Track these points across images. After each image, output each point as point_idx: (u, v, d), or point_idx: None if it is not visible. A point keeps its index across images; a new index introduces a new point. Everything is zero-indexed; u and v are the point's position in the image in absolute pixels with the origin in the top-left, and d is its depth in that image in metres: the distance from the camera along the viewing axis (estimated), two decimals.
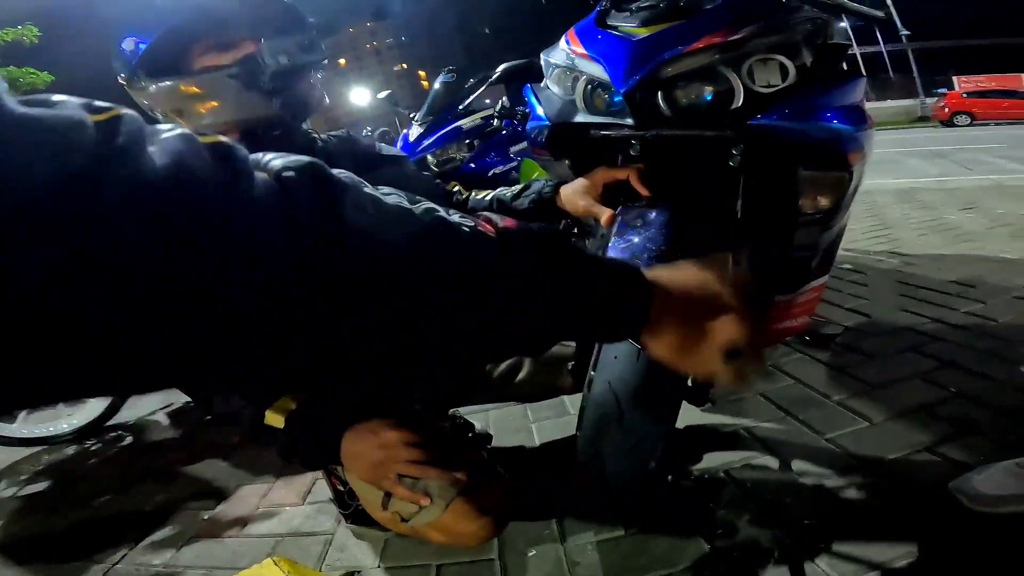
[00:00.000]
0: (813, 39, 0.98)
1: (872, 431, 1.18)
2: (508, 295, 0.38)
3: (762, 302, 0.99)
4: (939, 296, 1.83)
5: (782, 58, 0.92)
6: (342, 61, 76.73)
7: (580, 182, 1.00)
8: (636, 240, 0.89)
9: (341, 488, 1.11)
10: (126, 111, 0.27)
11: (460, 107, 2.78)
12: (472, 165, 2.58)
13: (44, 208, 0.21)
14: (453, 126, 2.68)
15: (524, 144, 2.43)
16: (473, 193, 1.15)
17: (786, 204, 0.94)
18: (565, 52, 1.11)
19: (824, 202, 0.94)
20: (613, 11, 1.10)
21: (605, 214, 0.93)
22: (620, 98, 0.94)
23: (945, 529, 0.89)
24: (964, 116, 15.89)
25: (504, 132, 2.63)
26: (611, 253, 0.88)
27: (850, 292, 1.98)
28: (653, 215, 0.91)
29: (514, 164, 2.55)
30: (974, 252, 2.30)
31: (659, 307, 0.42)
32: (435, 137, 2.69)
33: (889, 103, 23.58)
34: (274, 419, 0.82)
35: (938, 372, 1.36)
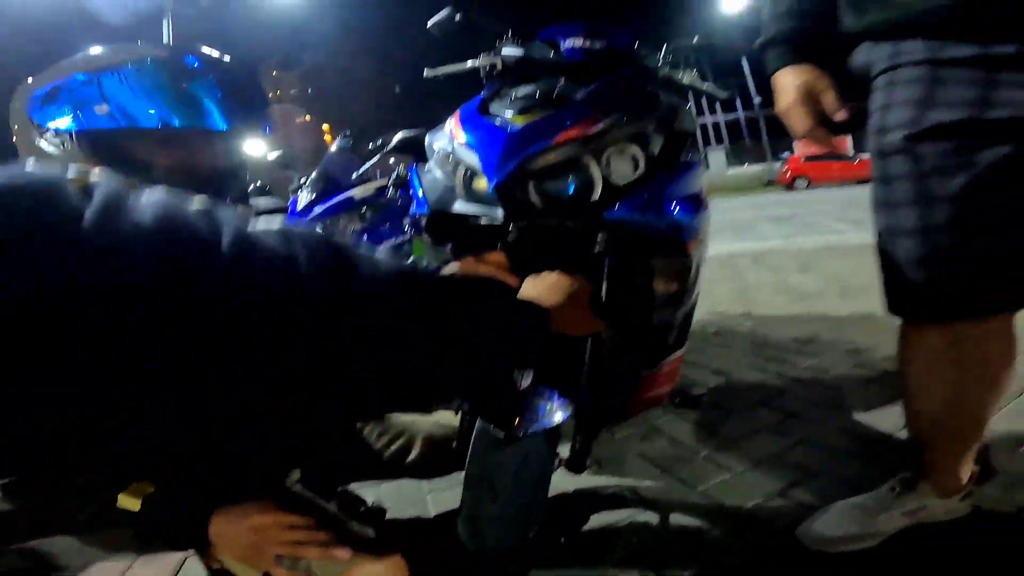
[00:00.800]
0: (664, 127, 1.11)
1: (734, 480, 1.34)
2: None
3: (629, 377, 1.11)
4: (784, 353, 2.13)
5: (636, 149, 1.04)
6: None
7: (457, 267, 1.06)
8: None
9: (217, 566, 1.05)
10: (100, 176, 0.30)
11: (355, 174, 2.68)
12: (364, 237, 2.47)
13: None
14: (345, 195, 2.55)
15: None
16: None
17: (643, 287, 1.07)
18: (447, 137, 1.18)
19: (673, 285, 1.08)
20: (496, 98, 1.18)
21: None
22: (494, 181, 1.01)
23: (797, 571, 1.04)
24: (803, 180, 18.07)
25: (399, 203, 2.56)
26: None
27: (713, 354, 2.23)
28: None
29: (407, 237, 2.49)
30: (811, 311, 2.70)
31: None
32: (326, 206, 2.56)
33: (746, 168, 26.66)
34: (128, 502, 0.77)
35: (784, 423, 1.58)
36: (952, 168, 0.80)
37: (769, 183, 21.74)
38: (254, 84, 1.01)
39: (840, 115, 0.95)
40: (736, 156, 31.61)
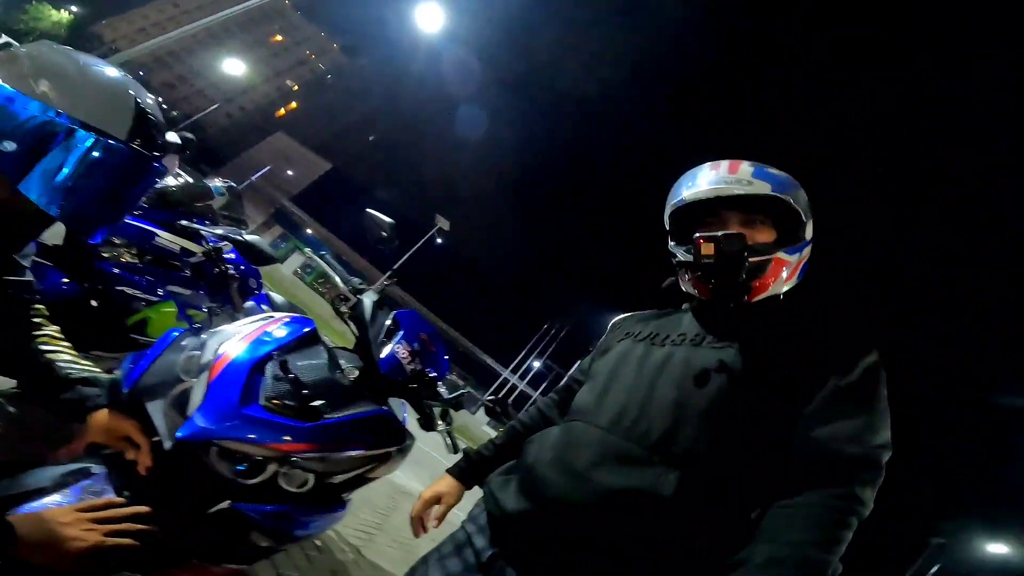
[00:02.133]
0: (358, 468, 1.31)
1: None
2: None
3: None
4: None
5: (311, 477, 1.19)
6: (278, 37, 65.76)
7: (123, 422, 1.12)
8: (72, 503, 1.02)
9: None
10: None
11: (183, 222, 2.31)
12: (115, 271, 2.16)
13: None
14: (150, 228, 2.26)
15: (186, 291, 2.31)
16: (50, 334, 1.18)
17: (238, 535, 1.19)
18: (215, 354, 1.23)
19: (263, 543, 1.21)
20: (283, 362, 1.28)
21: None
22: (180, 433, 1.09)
23: None
24: None
25: (184, 272, 2.34)
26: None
27: (294, 562, 2.38)
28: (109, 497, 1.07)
29: (154, 299, 2.22)
30: None
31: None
32: (128, 220, 2.16)
33: (494, 432, 28.63)
34: None
35: None
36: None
37: None
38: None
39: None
40: (499, 422, 34.32)
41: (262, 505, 1.16)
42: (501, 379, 37.01)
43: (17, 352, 1.12)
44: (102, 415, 1.12)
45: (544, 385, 37.43)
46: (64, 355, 1.17)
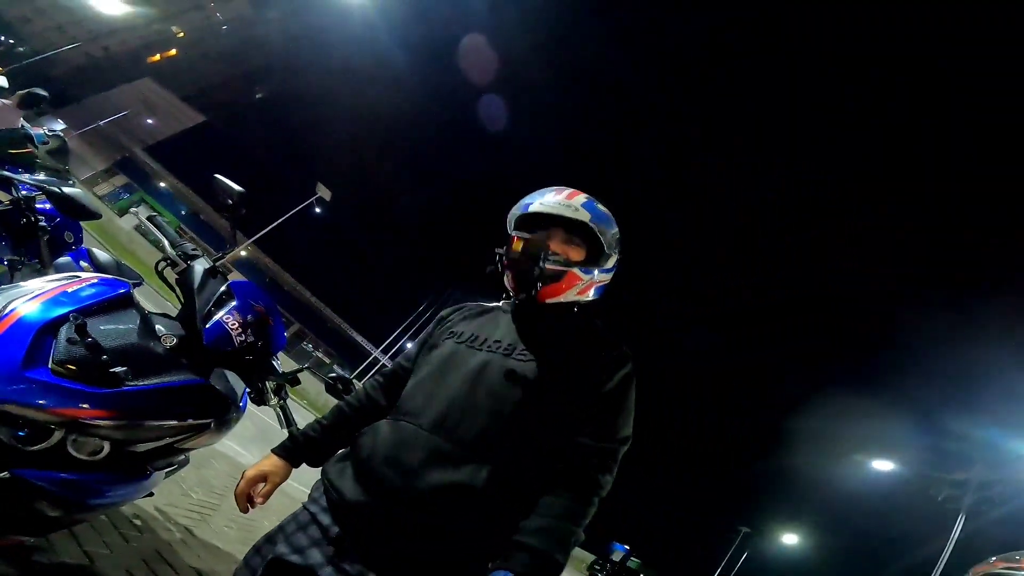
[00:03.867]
0: (168, 438, 1.30)
1: None
2: None
3: None
4: (157, 565, 2.29)
5: (106, 444, 1.17)
6: None
7: None
8: None
9: None
10: None
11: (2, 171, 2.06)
12: None
13: None
14: None
15: None
16: None
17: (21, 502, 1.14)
18: (5, 303, 1.19)
19: (52, 513, 1.17)
20: (80, 324, 1.20)
21: None
22: None
23: None
24: None
25: None
26: None
27: (100, 535, 2.22)
28: None
29: None
30: (238, 554, 2.91)
31: None
32: None
33: None
34: None
35: None
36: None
37: None
38: None
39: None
40: None
41: (48, 472, 1.10)
42: (371, 359, 36.12)
43: None
44: None
45: None
46: None
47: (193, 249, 1.65)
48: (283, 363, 1.76)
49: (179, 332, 1.42)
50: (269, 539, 1.20)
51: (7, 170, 2.11)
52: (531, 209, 1.32)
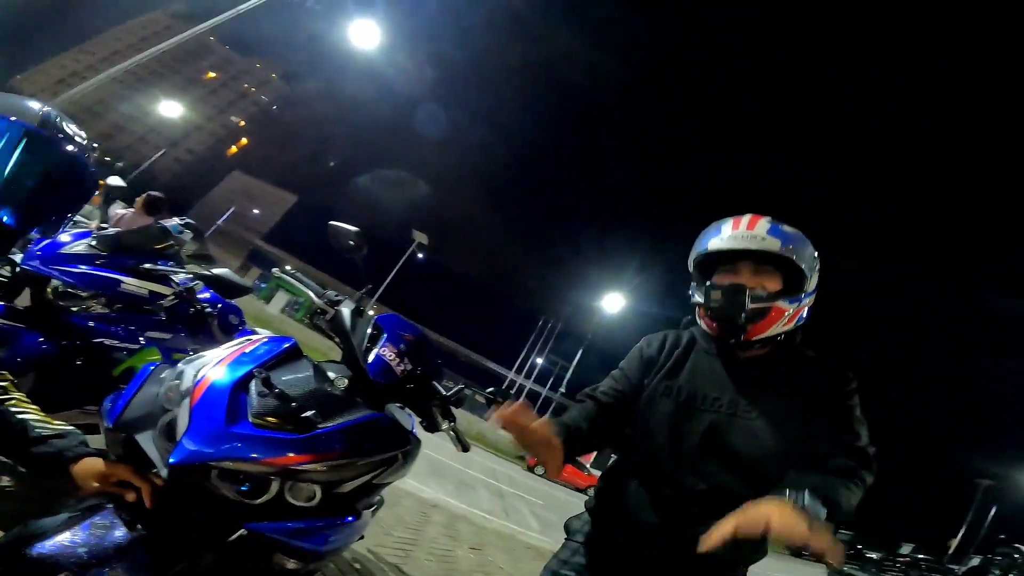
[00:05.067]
0: (365, 475, 1.29)
1: None
2: None
3: None
4: None
5: (317, 488, 1.19)
6: (212, 75, 64.84)
7: (100, 464, 1.11)
8: (82, 539, 1.01)
9: None
10: None
11: (146, 265, 2.22)
12: (90, 323, 2.06)
13: None
14: (113, 276, 2.12)
15: (166, 335, 2.25)
16: (13, 399, 1.16)
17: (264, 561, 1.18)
18: (194, 380, 1.21)
19: (291, 566, 1.20)
20: (261, 385, 1.24)
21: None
22: (173, 459, 1.07)
23: None
24: (543, 468, 19.96)
25: (160, 315, 2.24)
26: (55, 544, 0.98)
27: None
28: (119, 533, 1.06)
29: (135, 347, 2.15)
30: None
31: None
32: (86, 272, 2.07)
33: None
34: None
35: None
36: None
37: (520, 457, 23.64)
38: None
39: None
40: None
41: (277, 523, 1.14)
42: (508, 381, 36.99)
43: None
44: (88, 464, 1.10)
45: (551, 380, 37.49)
46: (34, 416, 1.15)
47: (336, 295, 1.71)
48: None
49: (347, 373, 1.46)
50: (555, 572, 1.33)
51: (160, 265, 2.29)
52: (714, 248, 1.28)
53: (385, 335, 1.51)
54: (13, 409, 1.12)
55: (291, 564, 1.18)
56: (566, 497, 12.93)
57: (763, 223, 1.26)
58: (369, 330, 1.54)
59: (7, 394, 1.16)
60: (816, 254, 1.30)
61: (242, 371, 1.26)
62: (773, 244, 1.22)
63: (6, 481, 1.72)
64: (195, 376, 1.23)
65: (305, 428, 1.21)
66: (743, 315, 1.22)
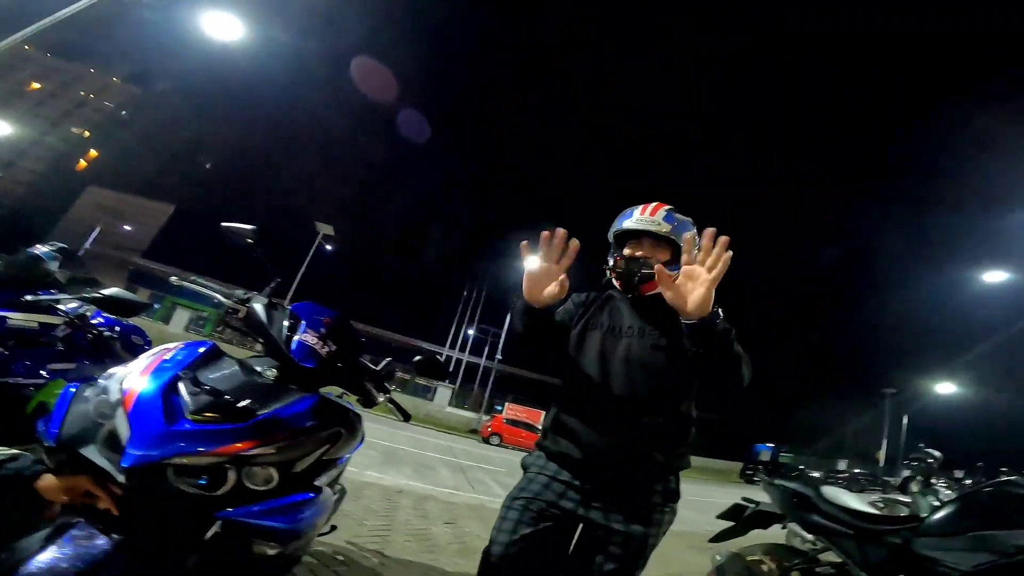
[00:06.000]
0: (319, 453, 1.37)
1: None
2: None
3: None
4: None
5: (273, 471, 1.24)
6: (36, 85, 55.26)
7: (71, 479, 1.13)
8: (68, 553, 1.03)
9: None
10: None
11: (27, 297, 2.12)
12: None
13: None
14: None
15: (70, 365, 2.15)
16: None
17: (243, 551, 1.20)
18: (120, 391, 1.24)
19: (270, 552, 1.22)
20: (192, 378, 1.31)
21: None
22: (124, 464, 1.11)
23: None
24: (497, 437, 20.39)
25: (58, 347, 2.16)
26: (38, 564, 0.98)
27: None
28: (101, 541, 1.07)
29: (40, 381, 2.07)
30: (431, 563, 3.10)
31: None
32: None
33: (460, 411, 28.74)
34: None
35: None
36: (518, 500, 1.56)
37: (472, 431, 24.04)
38: None
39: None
40: (460, 398, 34.27)
41: (243, 507, 1.18)
42: (444, 358, 36.78)
43: None
44: (48, 479, 1.12)
45: (486, 349, 37.77)
46: None
47: (245, 293, 1.68)
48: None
49: (274, 364, 1.50)
50: (515, 498, 1.56)
51: (41, 295, 2.15)
52: (625, 227, 1.68)
53: (304, 322, 1.55)
54: None
55: (270, 550, 1.22)
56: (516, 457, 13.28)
57: (662, 211, 1.67)
58: (286, 321, 1.55)
59: None
60: (695, 235, 1.60)
61: (166, 376, 1.29)
62: (665, 228, 1.63)
63: None
64: (120, 388, 1.25)
65: (244, 417, 1.24)
66: (636, 278, 1.63)
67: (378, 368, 1.72)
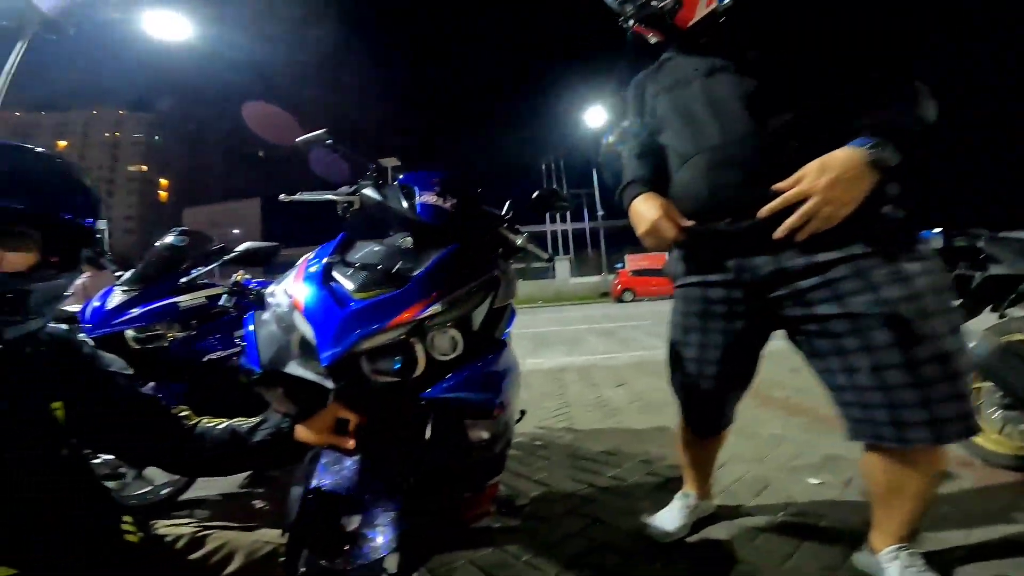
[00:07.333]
0: (488, 302, 1.34)
1: None
2: None
3: (456, 500, 1.32)
4: (593, 464, 2.53)
5: (455, 332, 1.20)
6: (62, 143, 62.75)
7: (317, 419, 1.11)
8: (327, 482, 1.10)
9: None
10: None
11: (183, 280, 2.33)
12: (192, 348, 2.22)
13: None
14: (168, 302, 2.25)
15: None
16: (205, 420, 1.15)
17: (460, 438, 1.25)
18: (286, 297, 1.27)
19: (486, 435, 1.27)
20: (342, 262, 1.32)
21: (348, 443, 1.10)
22: (324, 364, 1.10)
23: None
24: (629, 293, 20.54)
25: (232, 313, 2.29)
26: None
27: (537, 466, 2.55)
28: (348, 462, 1.13)
29: (236, 350, 2.26)
30: (618, 425, 3.22)
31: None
32: (143, 310, 2.20)
33: (584, 279, 29.19)
34: None
35: (590, 528, 1.90)
36: (690, 312, 1.56)
37: (603, 294, 24.34)
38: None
39: (682, 230, 1.43)
40: (579, 266, 34.59)
41: (440, 383, 1.17)
42: (548, 232, 36.86)
43: (195, 445, 1.10)
44: (302, 427, 1.11)
45: (584, 211, 36.97)
46: (228, 421, 1.15)
47: (350, 187, 1.62)
48: None
49: (406, 234, 1.44)
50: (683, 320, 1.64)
51: (192, 273, 2.35)
52: None
53: (417, 188, 1.50)
54: (208, 424, 1.14)
55: (484, 431, 1.24)
56: (666, 307, 13.32)
57: None
58: (400, 195, 1.50)
59: (193, 419, 1.16)
60: None
61: (317, 269, 1.30)
62: None
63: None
64: (286, 293, 1.28)
65: (403, 282, 1.23)
66: (661, 7, 1.39)
67: (503, 212, 1.67)
